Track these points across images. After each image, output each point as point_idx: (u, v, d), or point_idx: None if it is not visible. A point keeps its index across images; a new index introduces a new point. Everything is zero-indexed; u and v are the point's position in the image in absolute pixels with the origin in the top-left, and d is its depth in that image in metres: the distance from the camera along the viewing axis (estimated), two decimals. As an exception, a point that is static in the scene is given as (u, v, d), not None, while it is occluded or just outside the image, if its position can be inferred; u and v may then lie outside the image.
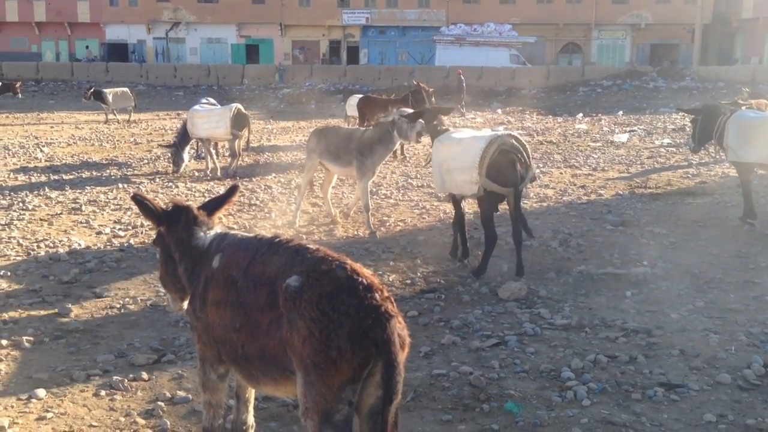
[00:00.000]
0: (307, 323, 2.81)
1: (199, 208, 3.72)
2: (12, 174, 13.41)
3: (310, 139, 9.68)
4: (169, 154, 14.04)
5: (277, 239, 3.31)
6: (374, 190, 9.77)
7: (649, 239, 8.63)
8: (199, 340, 3.51)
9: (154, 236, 3.80)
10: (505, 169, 7.01)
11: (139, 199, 3.63)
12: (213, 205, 3.79)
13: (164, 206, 3.69)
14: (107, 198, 11.22)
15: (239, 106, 13.63)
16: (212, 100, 16.17)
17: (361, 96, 17.85)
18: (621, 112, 25.27)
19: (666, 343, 5.51)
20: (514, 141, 7.14)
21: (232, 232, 3.71)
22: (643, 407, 4.52)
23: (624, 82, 34.41)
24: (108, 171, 13.94)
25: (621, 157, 15.07)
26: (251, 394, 3.73)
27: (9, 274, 7.38)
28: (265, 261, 3.18)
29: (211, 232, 3.63)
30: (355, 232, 9.25)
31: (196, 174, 13.67)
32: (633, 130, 19.83)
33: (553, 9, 45.79)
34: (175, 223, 3.63)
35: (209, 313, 3.35)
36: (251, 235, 3.63)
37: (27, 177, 13.14)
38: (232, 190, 3.88)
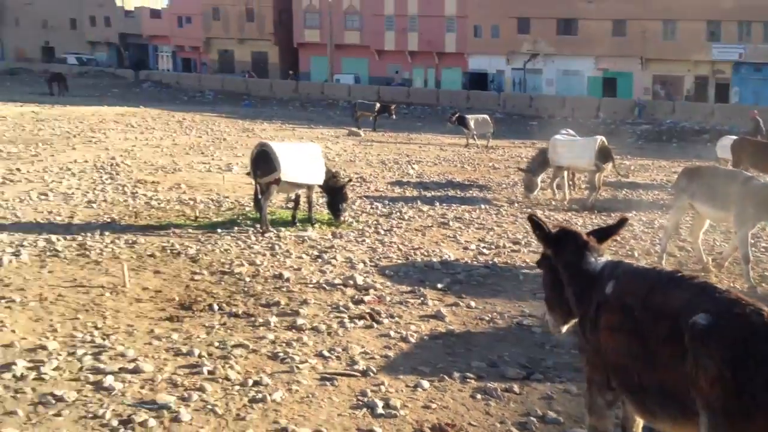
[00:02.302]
0: (718, 364, 2.73)
1: (588, 234, 3.81)
2: (389, 186, 15.05)
3: (680, 178, 9.20)
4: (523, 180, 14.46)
5: (679, 273, 3.27)
6: (752, 241, 8.91)
7: None
8: (587, 362, 3.59)
9: (539, 258, 3.97)
10: None
11: (535, 220, 3.85)
12: (602, 233, 3.86)
13: (552, 230, 3.84)
14: (471, 217, 11.97)
15: (603, 138, 13.53)
16: (571, 132, 16.28)
17: (735, 138, 16.34)
18: None
19: None
20: None
21: (626, 261, 3.73)
22: None
23: None
24: (470, 192, 14.87)
25: None
26: (638, 428, 3.68)
27: (392, 274, 8.31)
28: (666, 293, 3.15)
29: (602, 259, 3.69)
30: (731, 285, 8.52)
31: (552, 203, 13.86)
32: None
33: None
34: (564, 246, 3.76)
35: (601, 337, 3.40)
36: (649, 266, 3.60)
37: (402, 190, 14.63)
38: (621, 222, 3.93)
